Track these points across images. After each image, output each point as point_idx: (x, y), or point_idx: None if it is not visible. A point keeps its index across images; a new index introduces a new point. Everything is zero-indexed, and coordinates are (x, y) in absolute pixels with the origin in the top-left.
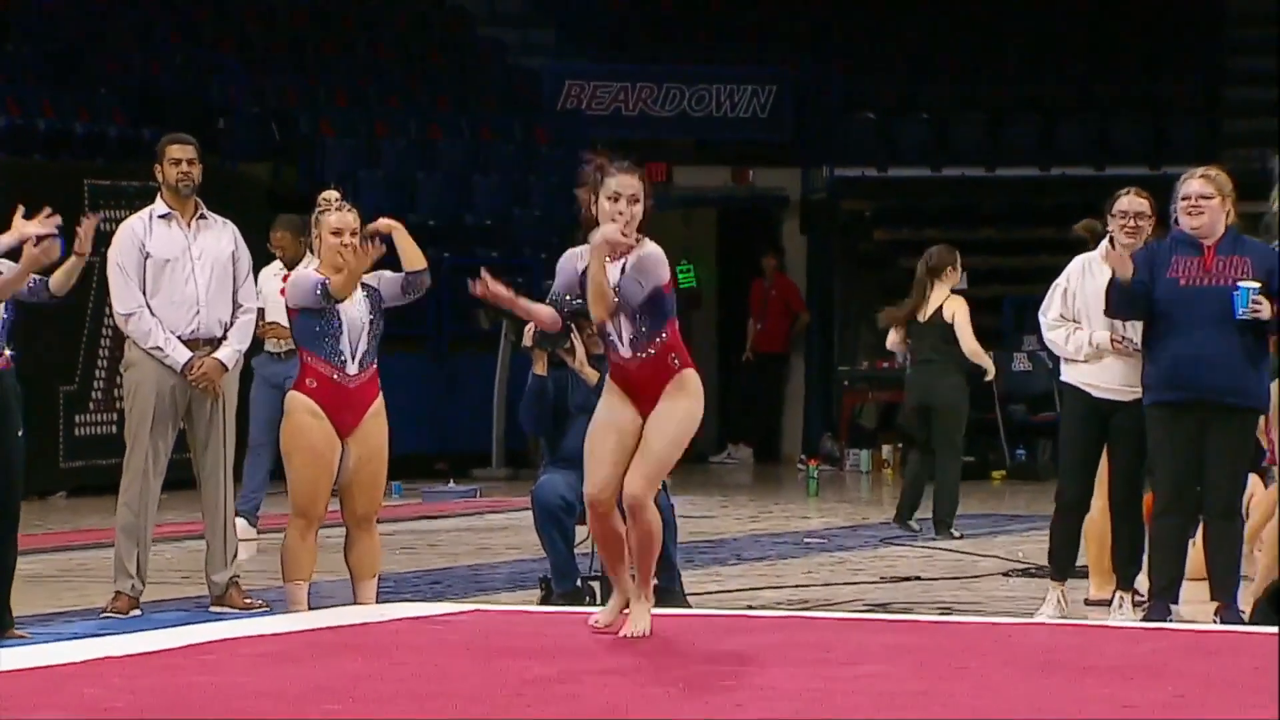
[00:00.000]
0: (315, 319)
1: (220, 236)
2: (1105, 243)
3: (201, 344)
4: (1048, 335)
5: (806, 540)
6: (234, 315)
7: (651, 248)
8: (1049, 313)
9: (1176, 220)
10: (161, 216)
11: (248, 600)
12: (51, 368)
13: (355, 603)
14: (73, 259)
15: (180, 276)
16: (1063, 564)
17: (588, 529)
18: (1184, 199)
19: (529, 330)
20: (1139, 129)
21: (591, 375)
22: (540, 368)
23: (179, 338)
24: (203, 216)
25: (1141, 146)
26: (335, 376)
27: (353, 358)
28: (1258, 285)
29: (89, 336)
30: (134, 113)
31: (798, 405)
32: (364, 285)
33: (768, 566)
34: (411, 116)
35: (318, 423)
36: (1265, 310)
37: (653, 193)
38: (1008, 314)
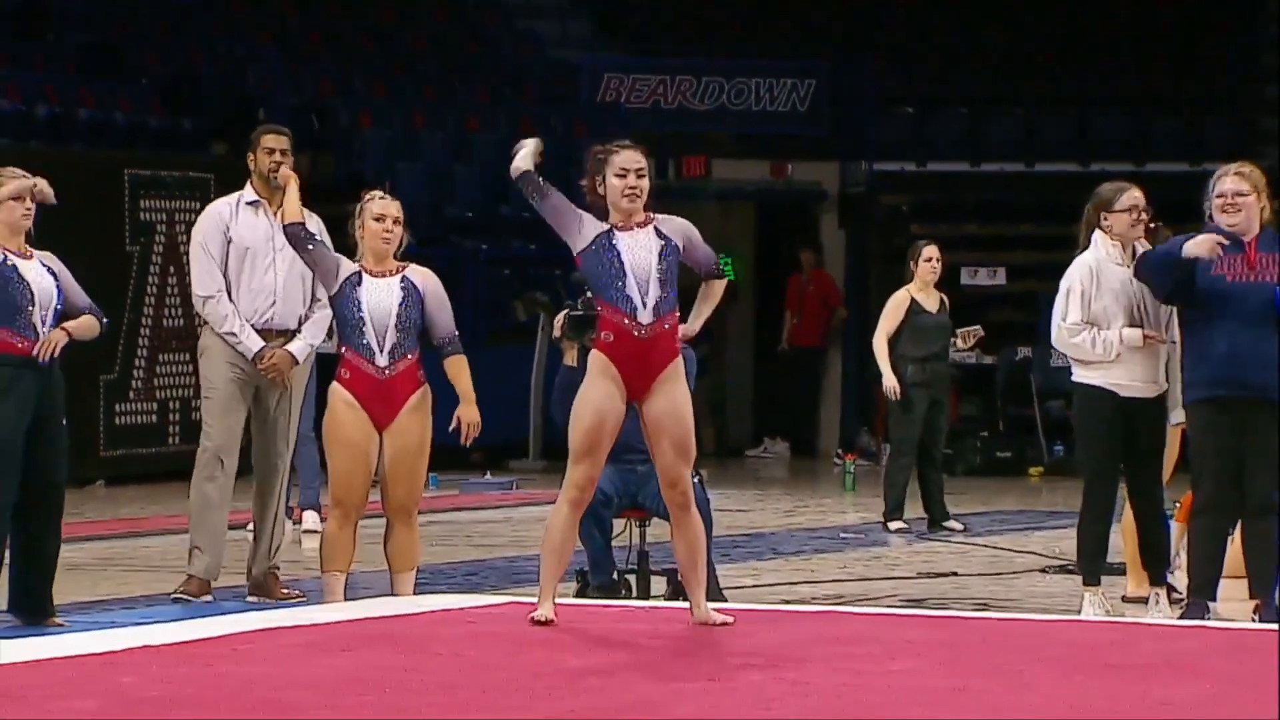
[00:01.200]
0: (346, 307)
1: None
2: (1104, 240)
3: (275, 335)
4: (1070, 341)
5: (843, 535)
6: (310, 309)
7: (682, 220)
8: (1068, 317)
9: (1211, 216)
10: (250, 203)
11: (285, 590)
12: (92, 356)
13: (392, 594)
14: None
15: (260, 265)
16: (1094, 568)
17: (624, 522)
18: (1219, 196)
19: (558, 321)
20: (1175, 124)
21: None
22: (570, 359)
23: (253, 326)
24: None
25: (1179, 142)
26: (366, 368)
27: (380, 349)
28: None
29: (129, 326)
30: (173, 103)
31: (834, 400)
32: (399, 276)
33: (803, 561)
34: (449, 109)
35: (353, 414)
36: None
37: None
38: (1045, 310)
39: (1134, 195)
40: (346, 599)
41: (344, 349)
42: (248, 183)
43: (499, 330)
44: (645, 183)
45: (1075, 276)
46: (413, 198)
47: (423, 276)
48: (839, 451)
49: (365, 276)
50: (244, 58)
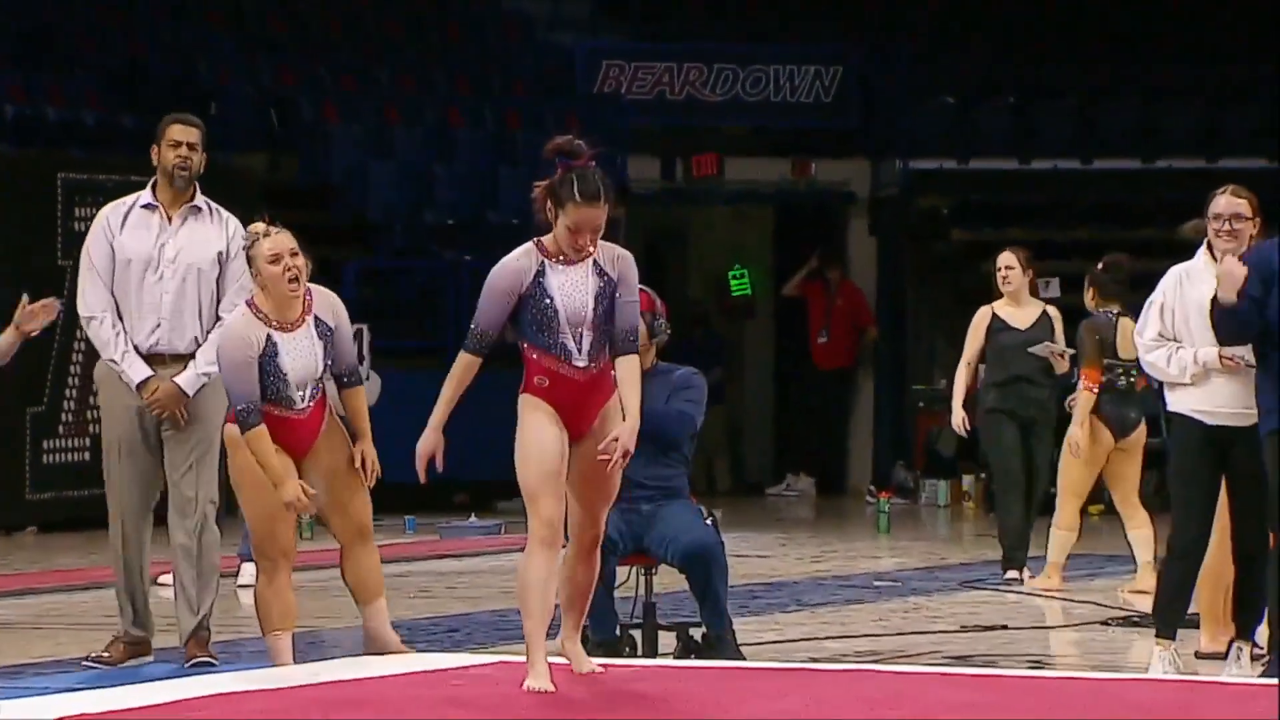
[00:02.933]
0: (263, 376)
1: (211, 235)
2: (1204, 250)
3: (167, 361)
4: (1146, 359)
5: (877, 583)
6: (213, 329)
7: (620, 249)
8: (1145, 333)
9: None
10: (144, 207)
11: (201, 656)
12: (16, 386)
13: (365, 630)
14: (11, 332)
15: (145, 280)
16: (1172, 619)
17: (629, 569)
18: (1216, 218)
19: None
20: (1252, 116)
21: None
22: None
23: (139, 352)
24: (196, 209)
25: (1259, 136)
26: (281, 413)
27: (302, 398)
28: None
29: (59, 351)
30: (113, 97)
31: (866, 429)
32: (311, 319)
33: (832, 613)
34: (427, 101)
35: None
36: None
37: (614, 215)
38: None
39: (1224, 201)
40: (310, 660)
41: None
42: (150, 183)
43: None
44: (597, 238)
45: (1162, 286)
46: (386, 202)
47: (331, 311)
48: (871, 488)
49: (278, 337)
50: (194, 45)
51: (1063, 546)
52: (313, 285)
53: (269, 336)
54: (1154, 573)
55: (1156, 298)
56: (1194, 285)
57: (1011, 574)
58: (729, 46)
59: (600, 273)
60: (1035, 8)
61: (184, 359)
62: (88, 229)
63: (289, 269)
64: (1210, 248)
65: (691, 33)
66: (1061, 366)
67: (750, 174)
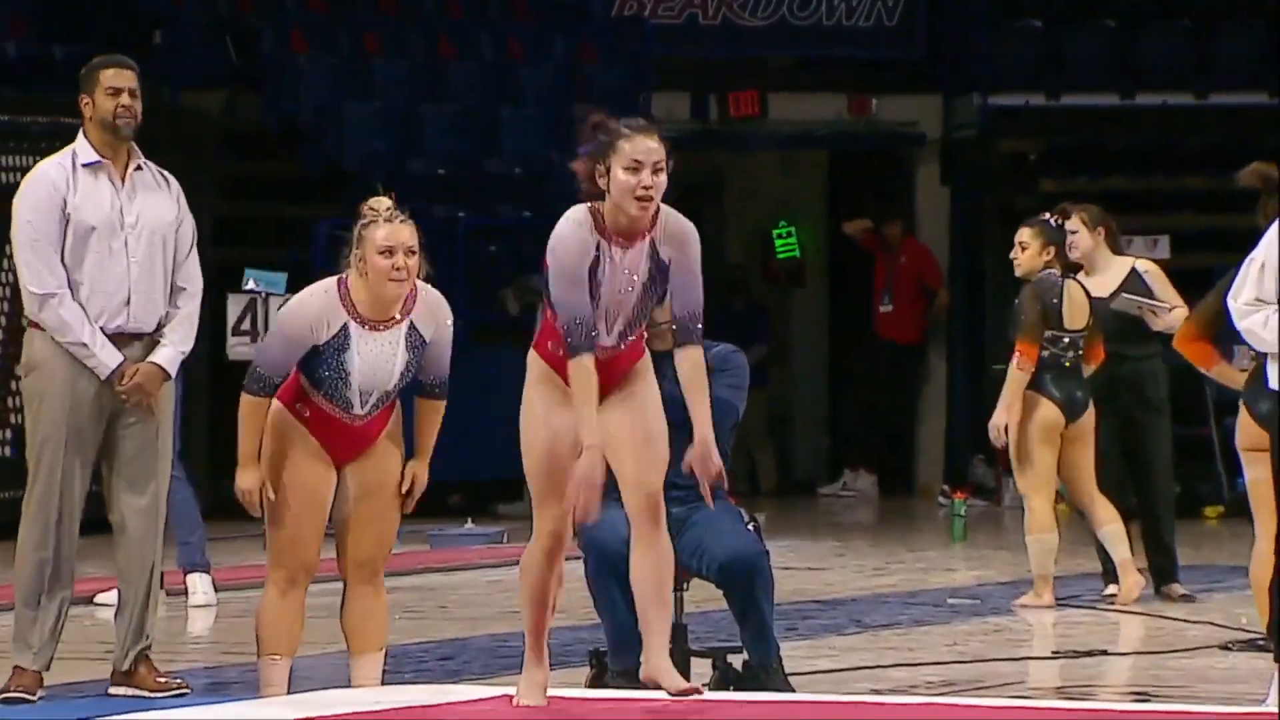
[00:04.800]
0: (321, 369)
1: (161, 197)
2: None
3: (130, 341)
4: (1241, 325)
5: (951, 600)
6: (173, 303)
7: (682, 220)
8: (1240, 296)
9: None
10: (87, 165)
11: (161, 680)
12: None
13: (350, 684)
14: None
15: (109, 250)
16: None
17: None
18: None
19: None
20: None
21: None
22: None
23: (103, 332)
24: (139, 168)
25: None
26: (336, 414)
27: (363, 404)
28: None
29: None
30: (42, 25)
31: (938, 417)
32: (405, 324)
33: (899, 636)
34: (414, 29)
35: (305, 446)
36: None
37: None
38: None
39: None
40: (289, 691)
41: (308, 385)
42: (80, 135)
43: (483, 326)
44: (663, 179)
45: (1265, 241)
46: (367, 149)
47: (434, 320)
48: (945, 488)
49: (357, 331)
50: None
51: (1046, 554)
52: (422, 285)
53: (346, 326)
54: (1134, 570)
55: (1258, 255)
56: None
57: (1111, 589)
58: None
59: (654, 254)
60: None
61: (146, 338)
62: (13, 181)
63: (399, 268)
64: None
65: None
66: (1160, 322)
67: (800, 113)
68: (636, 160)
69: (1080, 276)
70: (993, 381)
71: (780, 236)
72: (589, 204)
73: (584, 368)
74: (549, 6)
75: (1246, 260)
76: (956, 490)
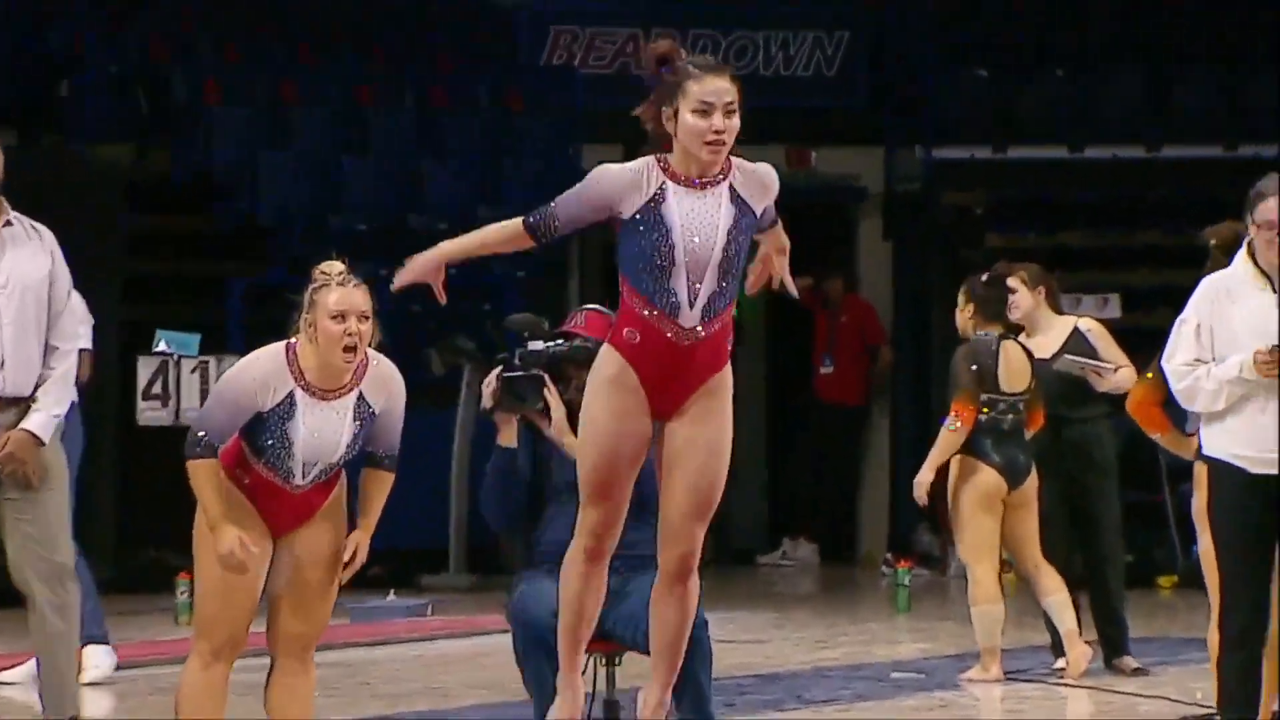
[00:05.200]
0: (262, 436)
1: (33, 250)
2: (1244, 256)
3: (6, 407)
4: (1178, 388)
5: (895, 675)
6: (46, 363)
7: (759, 165)
8: (1176, 357)
9: (1250, 246)
10: None
11: None
12: None
13: None
14: None
15: None
16: (1243, 711)
17: (587, 656)
18: (1260, 225)
19: (489, 386)
20: None
21: (575, 445)
22: (508, 437)
23: None
24: (8, 223)
25: None
26: (274, 480)
27: (304, 475)
28: None
29: None
30: None
31: (882, 482)
32: (354, 394)
33: (840, 713)
34: (333, 77)
35: (242, 514)
36: None
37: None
38: None
39: (1273, 205)
40: None
41: (249, 453)
42: None
43: (406, 390)
44: (736, 122)
45: (1192, 303)
46: (283, 202)
47: (384, 392)
48: (888, 556)
49: (303, 399)
50: (44, 9)
51: (992, 626)
52: (373, 355)
53: (292, 394)
54: (1081, 641)
55: (1189, 316)
56: (1236, 301)
57: (1061, 662)
58: (707, 7)
59: (737, 199)
60: None
61: (23, 403)
62: None
63: (352, 334)
64: (1253, 253)
65: None
66: (1105, 383)
67: None
68: (706, 102)
69: (1021, 337)
70: None
71: None
72: (653, 155)
73: (511, 226)
74: (474, 54)
75: (1177, 321)
76: (901, 559)
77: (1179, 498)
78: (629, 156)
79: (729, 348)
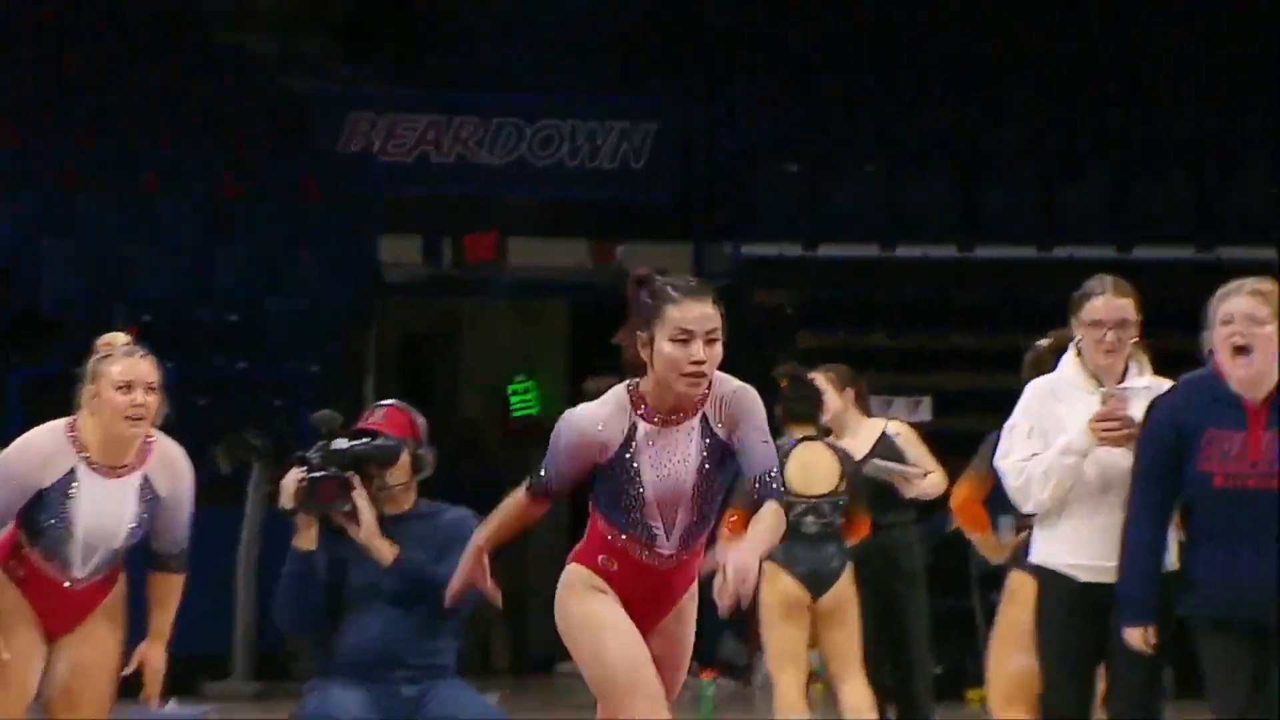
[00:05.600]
0: (43, 516)
1: None
2: (1072, 357)
3: None
4: (1013, 485)
5: None
6: None
7: (738, 389)
8: (1010, 455)
9: (1210, 352)
10: None
11: None
12: None
13: None
14: None
15: None
16: None
17: None
18: (1225, 323)
19: (290, 483)
20: (1184, 194)
21: (384, 550)
22: (307, 540)
23: None
24: None
25: (1187, 218)
26: (52, 575)
27: (84, 563)
28: None
29: None
30: None
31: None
32: (139, 474)
33: None
34: (117, 162)
35: (18, 615)
36: None
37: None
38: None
39: (1100, 304)
40: None
41: (26, 538)
42: None
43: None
44: (717, 351)
45: (1020, 407)
46: (65, 293)
47: (170, 474)
48: (692, 665)
49: (86, 475)
50: None
51: None
52: (160, 436)
53: (74, 470)
54: None
55: (1019, 420)
56: (1064, 402)
57: None
58: (512, 96)
59: (708, 430)
60: (906, 45)
61: None
62: None
63: (138, 404)
64: (1080, 355)
65: (464, 78)
66: (913, 489)
67: (541, 259)
68: (686, 330)
69: (830, 439)
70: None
71: (518, 393)
72: (627, 383)
73: (517, 502)
74: (268, 138)
75: (1006, 426)
76: (704, 668)
77: (989, 604)
78: (429, 246)
79: (698, 563)
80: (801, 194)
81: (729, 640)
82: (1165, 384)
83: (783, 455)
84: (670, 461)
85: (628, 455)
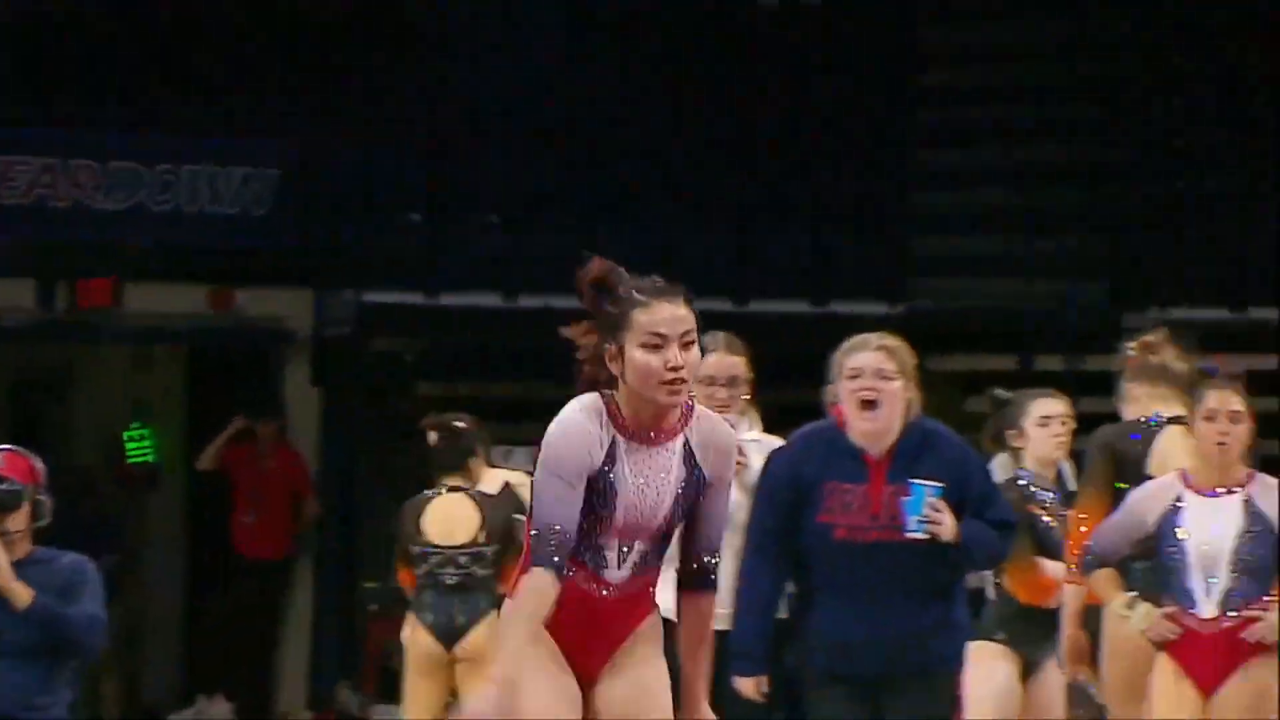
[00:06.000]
0: None
1: None
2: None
3: None
4: None
5: None
6: None
7: (725, 428)
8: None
9: (832, 404)
10: None
11: None
12: None
13: None
14: None
15: None
16: None
17: None
18: (853, 377)
19: None
20: (866, 243)
21: (20, 593)
22: None
23: None
24: None
25: (873, 269)
26: None
27: None
28: (939, 486)
29: None
30: None
31: (303, 638)
32: None
33: None
34: None
35: None
36: (946, 527)
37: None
38: None
39: (712, 361)
40: None
41: None
42: None
43: None
44: (695, 354)
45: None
46: None
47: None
48: (307, 714)
49: None
50: None
51: None
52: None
53: None
54: None
55: None
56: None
57: None
58: (129, 138)
59: (692, 460)
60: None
61: None
62: None
63: None
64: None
65: (78, 118)
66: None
67: (157, 305)
68: (659, 334)
69: (477, 489)
70: (363, 600)
71: (133, 439)
72: (600, 391)
73: (543, 582)
74: None
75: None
76: (319, 717)
77: None
78: (42, 291)
79: (653, 593)
80: (424, 243)
81: (344, 690)
82: (775, 441)
83: (412, 507)
84: (647, 488)
85: (609, 472)
